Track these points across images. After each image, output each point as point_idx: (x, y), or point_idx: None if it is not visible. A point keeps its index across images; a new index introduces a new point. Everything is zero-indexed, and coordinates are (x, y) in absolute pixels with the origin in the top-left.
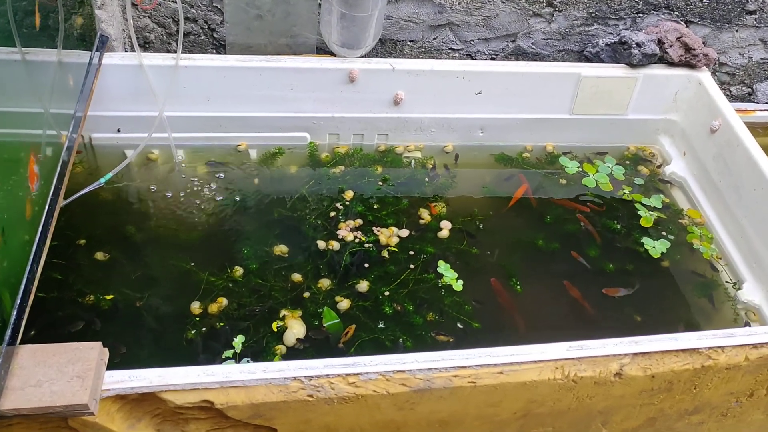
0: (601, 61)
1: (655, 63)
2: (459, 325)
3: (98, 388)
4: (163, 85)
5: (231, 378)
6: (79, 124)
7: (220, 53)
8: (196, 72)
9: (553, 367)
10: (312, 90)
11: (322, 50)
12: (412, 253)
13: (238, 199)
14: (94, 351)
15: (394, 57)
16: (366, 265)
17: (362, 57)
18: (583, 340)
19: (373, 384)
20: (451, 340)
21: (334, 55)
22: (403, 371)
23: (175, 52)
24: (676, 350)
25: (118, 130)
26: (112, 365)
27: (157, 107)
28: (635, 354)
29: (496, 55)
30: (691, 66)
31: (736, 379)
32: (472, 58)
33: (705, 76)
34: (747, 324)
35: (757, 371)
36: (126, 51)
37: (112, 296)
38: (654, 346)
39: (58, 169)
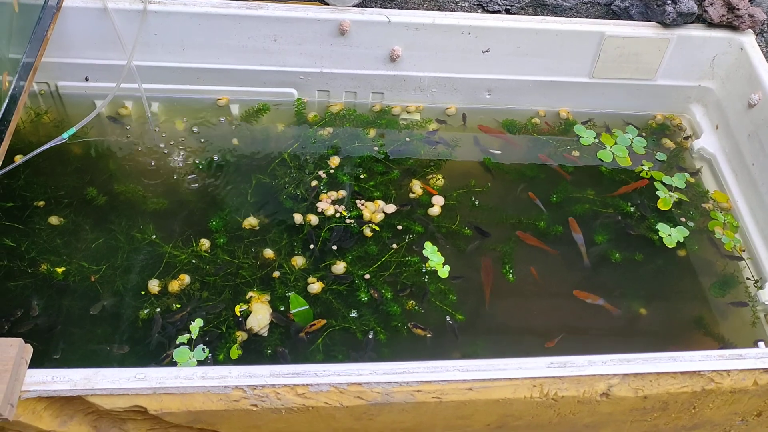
0: (630, 17)
1: (691, 23)
2: (442, 317)
3: (16, 391)
4: (132, 32)
5: (165, 384)
6: (29, 71)
7: None
8: (167, 18)
9: (530, 385)
10: (298, 42)
11: None
12: (399, 228)
13: (214, 161)
14: (13, 349)
15: (394, 6)
16: (344, 244)
17: (355, 6)
18: (567, 356)
19: (325, 396)
20: (429, 334)
21: (323, 2)
22: (359, 384)
23: None
24: (674, 372)
25: (86, 79)
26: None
27: (126, 55)
28: (626, 375)
29: (511, 5)
30: (733, 28)
31: (742, 401)
32: (483, 9)
33: (748, 40)
34: (758, 342)
35: (766, 395)
36: None
37: (63, 269)
38: (648, 367)
39: None
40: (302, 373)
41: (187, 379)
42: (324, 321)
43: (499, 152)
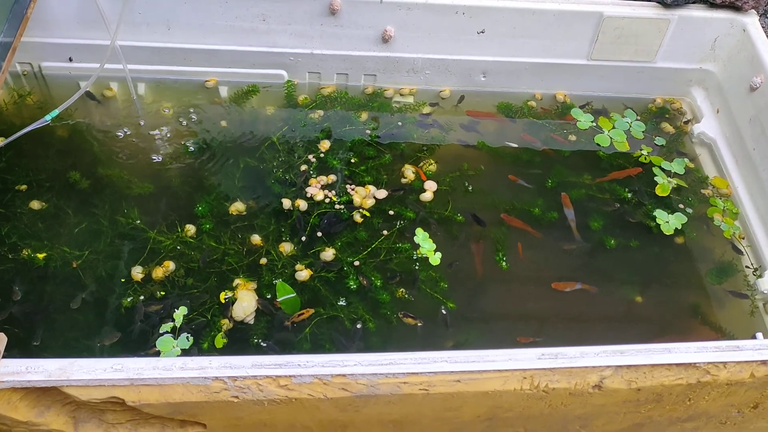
0: None
1: (693, 3)
2: (433, 305)
3: None
4: (116, 11)
5: (143, 375)
6: (7, 51)
7: None
8: None
9: (520, 377)
10: (287, 22)
11: None
12: (390, 213)
13: (201, 143)
14: None
15: None
16: (333, 230)
17: None
18: (560, 347)
19: (309, 388)
20: (420, 323)
21: None
22: (344, 375)
23: None
24: (669, 364)
25: (70, 59)
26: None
27: (109, 35)
28: (619, 366)
29: None
30: (735, 8)
31: (738, 393)
32: None
33: (751, 21)
34: (756, 334)
35: (763, 387)
36: None
37: (45, 254)
38: (641, 359)
39: None
40: (285, 364)
41: (165, 370)
42: (312, 310)
43: (515, 146)
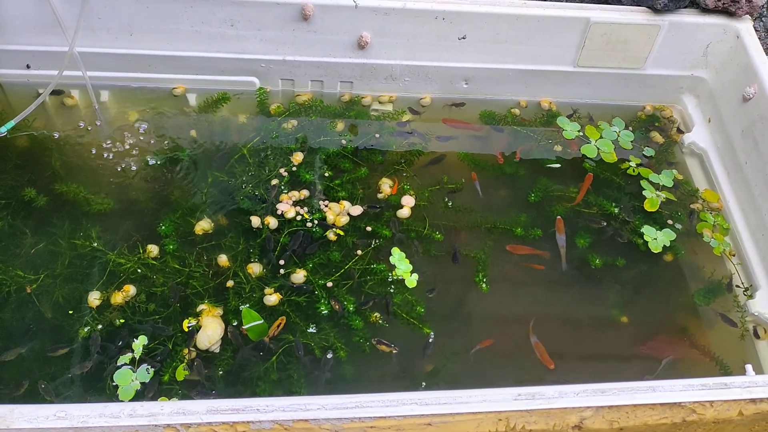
0: (619, 2)
1: (684, 7)
2: (409, 330)
3: None
4: (73, 15)
5: (88, 423)
6: None
7: None
8: (111, 0)
9: (494, 419)
10: (257, 28)
11: None
12: (366, 230)
13: (167, 155)
14: None
15: None
16: (304, 251)
17: None
18: (537, 386)
19: None
20: (395, 351)
21: None
22: (306, 420)
23: None
24: (653, 404)
25: (28, 66)
26: None
27: (67, 41)
28: (600, 407)
29: None
30: (729, 14)
31: (726, 431)
32: None
33: (745, 27)
34: (746, 366)
35: (752, 424)
36: None
37: None
38: (624, 399)
39: None
40: (242, 409)
41: (113, 417)
42: (284, 318)
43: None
